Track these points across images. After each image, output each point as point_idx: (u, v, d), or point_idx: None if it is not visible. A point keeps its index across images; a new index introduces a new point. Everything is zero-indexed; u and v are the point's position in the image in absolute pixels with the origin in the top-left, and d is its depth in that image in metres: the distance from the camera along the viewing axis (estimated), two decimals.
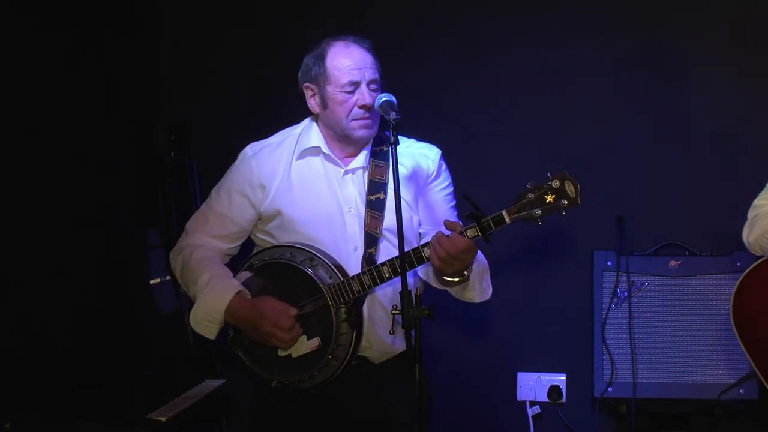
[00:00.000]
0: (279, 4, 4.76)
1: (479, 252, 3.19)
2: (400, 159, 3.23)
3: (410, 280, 3.24)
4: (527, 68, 4.55)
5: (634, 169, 4.45)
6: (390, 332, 3.11)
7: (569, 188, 2.91)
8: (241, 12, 4.77)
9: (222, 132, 4.76)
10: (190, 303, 4.37)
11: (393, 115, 3.02)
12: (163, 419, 3.29)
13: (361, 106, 3.20)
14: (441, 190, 3.35)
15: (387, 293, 3.24)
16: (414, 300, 2.87)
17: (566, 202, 2.91)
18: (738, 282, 3.61)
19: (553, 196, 2.91)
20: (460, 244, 2.96)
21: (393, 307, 2.96)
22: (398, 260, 2.95)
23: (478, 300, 3.25)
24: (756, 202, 3.47)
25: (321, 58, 3.26)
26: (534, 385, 4.52)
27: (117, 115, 4.37)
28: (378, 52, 3.32)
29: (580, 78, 4.52)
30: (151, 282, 4.30)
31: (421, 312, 2.87)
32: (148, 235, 4.44)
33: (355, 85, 3.20)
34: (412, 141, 3.39)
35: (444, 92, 4.57)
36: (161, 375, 4.01)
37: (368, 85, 3.21)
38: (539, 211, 2.93)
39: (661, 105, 4.47)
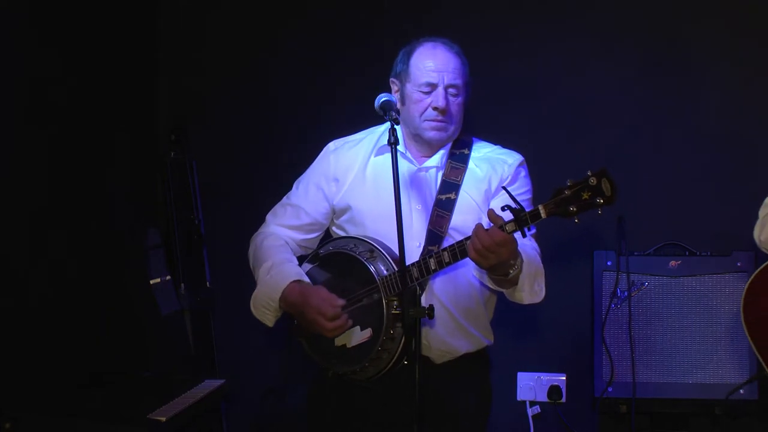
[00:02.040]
0: (279, 3, 4.76)
1: (537, 255, 3.24)
2: (478, 163, 3.36)
3: (475, 281, 3.30)
4: (527, 68, 4.55)
5: (634, 169, 4.45)
6: (390, 332, 3.11)
7: (605, 186, 2.89)
8: (241, 12, 4.77)
9: (222, 132, 4.77)
10: (189, 303, 4.42)
11: (393, 115, 3.04)
12: (163, 419, 3.28)
13: (435, 108, 3.24)
14: (516, 196, 3.33)
15: (448, 291, 3.26)
16: (415, 299, 2.86)
17: (601, 200, 2.90)
18: (748, 282, 3.62)
19: (589, 193, 2.90)
20: (495, 236, 2.95)
21: (393, 306, 2.96)
22: (401, 260, 2.95)
23: (526, 302, 3.25)
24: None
25: (408, 56, 3.33)
26: (534, 385, 4.52)
27: (117, 115, 4.37)
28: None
29: (580, 78, 4.52)
30: (152, 282, 4.31)
31: (421, 311, 2.87)
32: (148, 234, 4.44)
33: (432, 86, 3.25)
34: (495, 147, 3.45)
35: None
36: (161, 375, 4.01)
37: (446, 89, 3.25)
38: (574, 208, 2.92)
39: (661, 105, 4.47)
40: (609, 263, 4.28)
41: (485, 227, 2.98)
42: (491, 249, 2.95)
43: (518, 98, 4.55)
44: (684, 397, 4.21)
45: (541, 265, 3.27)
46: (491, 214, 3.00)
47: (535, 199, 3.00)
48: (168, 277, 4.34)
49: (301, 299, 3.19)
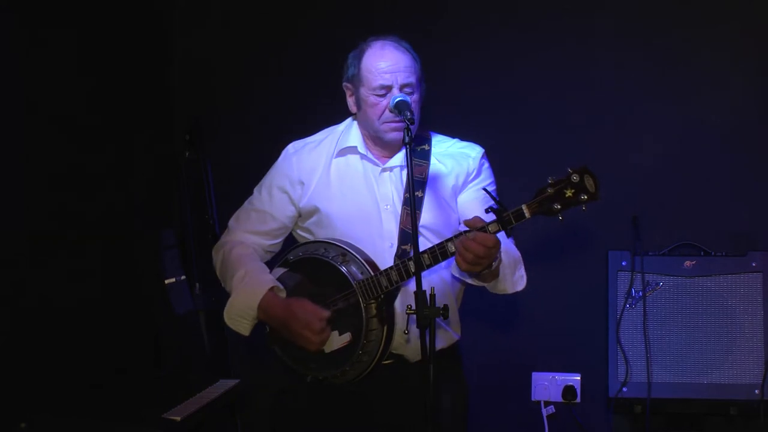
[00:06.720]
0: (291, 3, 4.76)
1: (512, 243, 3.22)
2: (441, 159, 3.32)
3: (447, 277, 3.29)
4: (542, 67, 4.54)
5: (649, 169, 4.44)
6: (404, 332, 3.11)
7: (588, 183, 2.89)
8: (253, 11, 4.78)
9: (236, 132, 4.78)
10: (204, 303, 4.42)
11: (408, 115, 3.02)
12: (178, 419, 3.29)
13: (391, 110, 3.19)
14: (482, 189, 3.32)
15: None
16: (428, 299, 2.86)
17: (585, 196, 2.90)
18: None
19: (573, 190, 2.90)
20: (487, 242, 2.93)
21: (407, 306, 2.96)
22: (415, 259, 2.93)
23: (510, 291, 3.24)
24: None
25: (357, 59, 3.27)
26: (549, 385, 4.51)
27: (132, 115, 4.38)
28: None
29: (594, 77, 4.52)
30: (166, 282, 4.31)
31: (436, 312, 2.86)
32: (162, 234, 4.44)
33: (387, 88, 3.20)
34: (455, 141, 3.40)
35: (457, 90, 4.57)
36: (176, 375, 4.02)
37: (401, 88, 3.19)
38: (558, 206, 2.91)
39: (675, 104, 4.47)
40: (624, 263, 4.28)
41: (459, 230, 2.97)
42: (484, 255, 2.94)
43: (524, 99, 4.55)
44: (699, 398, 4.21)
45: (518, 253, 3.26)
46: (467, 221, 2.98)
47: (522, 198, 2.98)
48: (183, 277, 4.34)
49: (286, 313, 3.16)
